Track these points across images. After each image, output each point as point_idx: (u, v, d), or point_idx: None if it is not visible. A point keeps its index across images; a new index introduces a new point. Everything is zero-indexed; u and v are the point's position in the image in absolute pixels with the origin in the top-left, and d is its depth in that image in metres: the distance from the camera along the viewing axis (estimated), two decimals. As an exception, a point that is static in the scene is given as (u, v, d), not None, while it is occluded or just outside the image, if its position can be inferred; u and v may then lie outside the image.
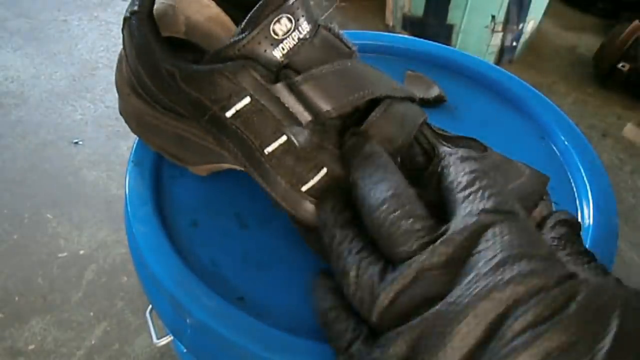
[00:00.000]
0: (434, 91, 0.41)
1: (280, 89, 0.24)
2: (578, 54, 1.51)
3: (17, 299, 0.87)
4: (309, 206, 0.25)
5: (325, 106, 0.24)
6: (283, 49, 0.23)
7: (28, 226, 0.97)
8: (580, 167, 0.35)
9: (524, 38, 1.42)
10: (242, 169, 0.27)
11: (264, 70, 0.24)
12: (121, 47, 0.30)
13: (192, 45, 0.30)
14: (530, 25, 1.40)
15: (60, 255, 0.93)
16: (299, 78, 0.24)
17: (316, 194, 0.25)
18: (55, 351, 0.81)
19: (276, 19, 0.23)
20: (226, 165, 0.30)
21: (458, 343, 0.17)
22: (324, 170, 0.25)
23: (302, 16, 0.23)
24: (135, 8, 0.27)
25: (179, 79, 0.25)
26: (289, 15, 0.23)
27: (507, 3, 1.30)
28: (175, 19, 0.29)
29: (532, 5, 1.33)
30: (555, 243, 0.21)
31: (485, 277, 0.17)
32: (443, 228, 0.20)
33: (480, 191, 0.20)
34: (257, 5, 0.23)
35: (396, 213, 0.20)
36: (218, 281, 0.28)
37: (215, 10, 0.29)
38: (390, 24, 1.56)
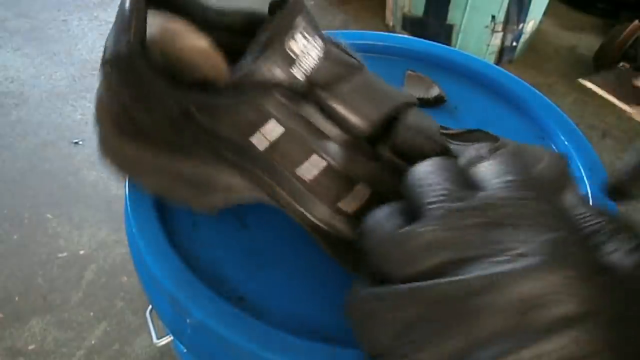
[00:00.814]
0: (434, 91, 0.41)
1: (308, 110, 0.23)
2: (578, 54, 1.51)
3: (17, 299, 0.87)
4: (348, 223, 0.25)
5: (357, 122, 0.23)
6: (302, 67, 0.23)
7: (28, 226, 0.97)
8: (580, 167, 0.35)
9: (524, 38, 1.42)
10: (260, 198, 0.27)
11: (288, 92, 0.23)
12: None
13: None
14: (530, 25, 1.40)
15: (60, 255, 0.93)
16: (326, 96, 0.23)
17: (355, 210, 0.25)
18: (55, 351, 0.81)
19: (291, 37, 0.22)
20: (236, 197, 0.28)
21: (481, 326, 0.16)
22: (361, 185, 0.25)
23: (313, 31, 0.23)
24: (124, 47, 0.24)
25: (197, 113, 0.24)
26: (302, 32, 0.22)
27: (507, 3, 1.30)
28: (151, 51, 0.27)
29: (532, 5, 1.34)
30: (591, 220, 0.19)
31: (521, 260, 0.16)
32: (477, 193, 0.19)
33: (504, 167, 0.20)
34: (267, 26, 0.22)
35: (432, 174, 0.19)
36: (218, 281, 0.28)
37: (193, 40, 0.27)
38: (390, 24, 1.56)
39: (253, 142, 0.24)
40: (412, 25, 1.46)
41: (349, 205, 0.25)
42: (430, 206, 0.18)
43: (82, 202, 1.01)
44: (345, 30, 0.47)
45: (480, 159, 0.25)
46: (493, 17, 1.32)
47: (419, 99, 0.39)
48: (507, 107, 0.41)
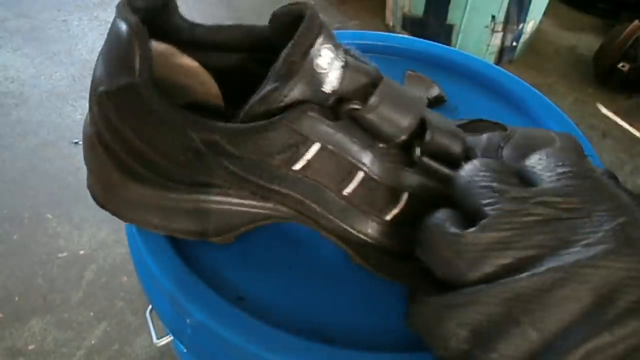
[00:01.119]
0: (434, 91, 0.41)
1: (346, 125, 0.23)
2: (578, 54, 1.51)
3: (17, 299, 0.87)
4: (397, 234, 0.25)
5: (392, 131, 0.23)
6: (331, 82, 0.22)
7: (28, 226, 0.97)
8: (580, 167, 0.35)
9: (524, 38, 1.42)
10: (295, 220, 0.26)
11: (319, 108, 0.22)
12: None
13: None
14: (530, 25, 1.40)
15: (60, 255, 0.93)
16: (357, 107, 0.22)
17: (402, 219, 0.25)
18: (55, 351, 0.81)
19: (318, 54, 0.21)
20: (261, 223, 0.27)
21: (555, 319, 0.16)
22: (406, 194, 0.24)
23: (334, 42, 0.22)
24: (126, 77, 0.22)
25: (226, 143, 0.22)
26: (328, 45, 0.22)
27: (507, 3, 1.30)
28: None
29: (532, 5, 1.34)
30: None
31: (589, 249, 0.17)
32: (532, 188, 0.19)
33: (551, 160, 0.20)
34: (293, 43, 0.21)
35: (481, 176, 0.19)
36: (218, 281, 0.28)
37: (182, 60, 0.25)
38: (390, 24, 1.56)
39: (295, 168, 0.23)
40: (412, 25, 1.46)
41: (398, 216, 0.25)
42: (487, 208, 0.18)
43: (82, 202, 1.01)
44: (345, 30, 0.47)
45: (498, 147, 0.25)
46: (493, 17, 1.32)
47: (419, 99, 0.39)
48: (507, 107, 0.41)
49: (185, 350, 0.35)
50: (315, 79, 0.21)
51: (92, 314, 0.85)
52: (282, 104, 0.22)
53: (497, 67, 0.44)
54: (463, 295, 0.18)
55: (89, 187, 0.26)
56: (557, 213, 0.18)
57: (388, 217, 0.25)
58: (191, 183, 0.24)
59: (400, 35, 0.48)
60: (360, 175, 0.24)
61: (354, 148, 0.23)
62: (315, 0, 1.67)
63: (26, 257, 0.92)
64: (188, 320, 0.26)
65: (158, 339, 0.39)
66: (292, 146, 0.22)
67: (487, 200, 0.19)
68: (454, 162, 0.25)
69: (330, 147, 0.23)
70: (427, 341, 0.19)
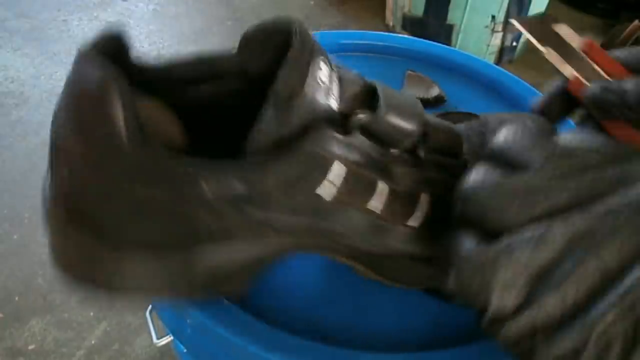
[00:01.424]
0: (434, 91, 0.41)
1: (359, 137, 0.22)
2: (578, 54, 1.51)
3: (17, 299, 0.87)
4: (424, 238, 0.25)
5: (401, 136, 0.23)
6: (333, 94, 0.21)
7: (28, 226, 0.97)
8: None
9: (524, 38, 1.42)
10: (311, 250, 0.25)
11: (332, 126, 0.20)
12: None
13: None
14: (530, 25, 1.40)
15: (60, 255, 0.93)
16: (365, 119, 0.22)
17: (426, 222, 0.25)
18: (55, 351, 0.81)
19: (317, 67, 0.20)
20: (273, 259, 0.25)
21: (629, 245, 0.16)
22: (424, 195, 0.24)
23: (327, 54, 0.21)
24: (108, 137, 0.18)
25: (239, 182, 0.20)
26: (322, 57, 0.20)
27: (507, 3, 1.30)
28: None
29: (532, 5, 1.34)
30: None
31: None
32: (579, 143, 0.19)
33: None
34: (290, 61, 0.19)
35: (522, 137, 0.20)
36: (218, 281, 0.28)
37: (145, 103, 0.22)
38: (390, 24, 1.56)
39: (319, 192, 0.21)
40: (412, 25, 1.46)
41: (416, 219, 0.24)
42: (537, 159, 0.19)
43: (82, 202, 1.01)
44: (345, 30, 0.47)
45: (479, 133, 0.26)
46: (493, 17, 1.33)
47: (419, 99, 0.39)
48: (507, 107, 0.41)
49: (185, 350, 0.35)
50: (320, 95, 0.20)
51: (92, 314, 0.85)
52: (291, 129, 0.19)
53: (497, 67, 0.44)
54: (518, 238, 0.18)
55: (57, 260, 0.22)
56: (610, 159, 0.18)
57: (413, 223, 0.24)
58: (206, 238, 0.21)
59: (400, 35, 0.48)
60: (381, 186, 0.23)
61: (371, 159, 0.22)
62: (315, 1, 1.67)
63: (26, 257, 0.92)
64: (188, 320, 0.26)
65: (158, 339, 0.39)
66: (312, 170, 0.20)
67: (533, 155, 0.19)
68: (454, 155, 0.26)
69: (349, 162, 0.21)
70: (476, 302, 0.19)
